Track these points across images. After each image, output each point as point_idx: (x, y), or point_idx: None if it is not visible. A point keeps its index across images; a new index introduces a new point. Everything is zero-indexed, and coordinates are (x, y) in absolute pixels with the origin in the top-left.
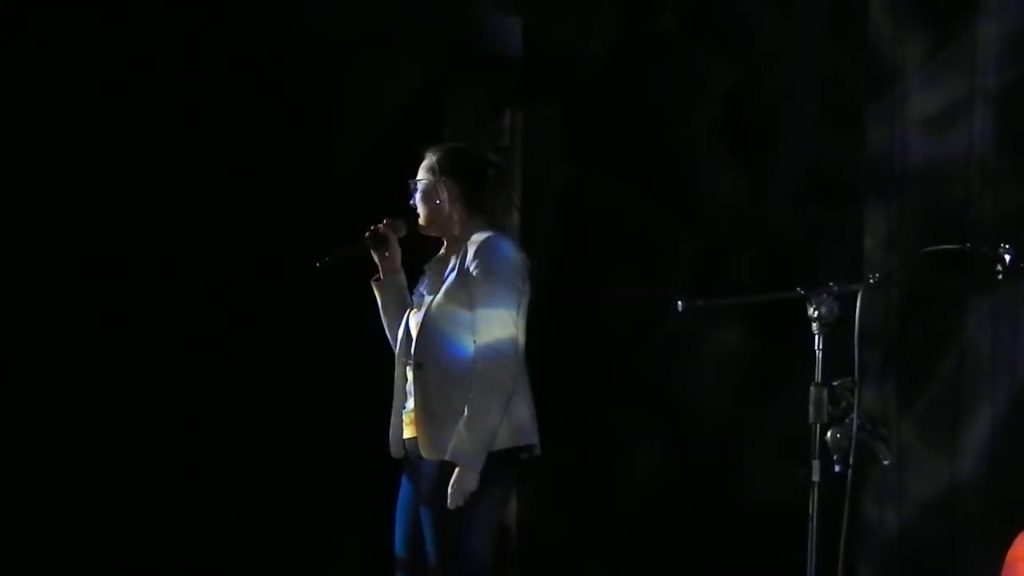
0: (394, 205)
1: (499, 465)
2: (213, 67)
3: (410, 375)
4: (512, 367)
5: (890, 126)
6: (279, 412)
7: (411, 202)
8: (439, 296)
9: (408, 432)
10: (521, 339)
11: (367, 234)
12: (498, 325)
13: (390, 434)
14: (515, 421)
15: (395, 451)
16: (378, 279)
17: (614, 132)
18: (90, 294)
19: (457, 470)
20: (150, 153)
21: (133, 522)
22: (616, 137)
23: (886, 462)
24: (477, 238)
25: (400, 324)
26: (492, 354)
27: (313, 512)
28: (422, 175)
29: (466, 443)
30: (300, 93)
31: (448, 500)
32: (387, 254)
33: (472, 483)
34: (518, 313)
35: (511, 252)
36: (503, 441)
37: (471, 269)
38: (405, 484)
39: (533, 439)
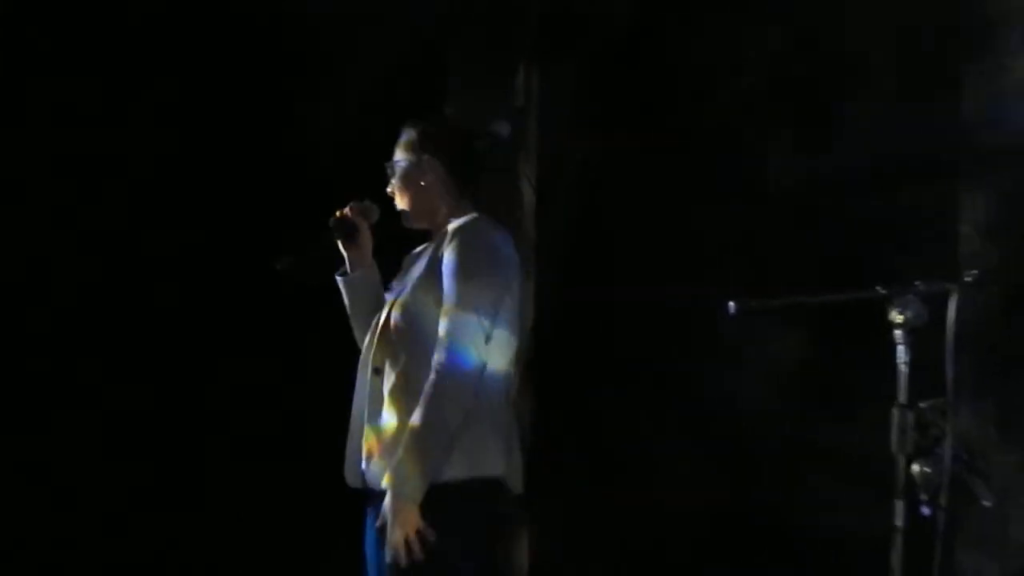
0: (381, 185)
1: (453, 502)
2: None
3: (366, 386)
4: (471, 383)
5: (990, 90)
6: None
7: (388, 189)
8: (406, 291)
9: (366, 460)
10: (502, 351)
11: (332, 221)
12: (463, 331)
13: (345, 459)
14: (475, 447)
15: (351, 479)
16: (345, 273)
17: (648, 95)
18: (51, 301)
19: (387, 499)
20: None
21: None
22: (650, 102)
23: (986, 503)
24: (457, 222)
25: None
26: (449, 365)
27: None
28: (400, 155)
29: (401, 465)
30: (271, 49)
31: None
32: (356, 244)
33: (407, 518)
34: (493, 320)
35: (496, 241)
36: (456, 470)
37: (442, 259)
38: (369, 521)
39: (498, 471)
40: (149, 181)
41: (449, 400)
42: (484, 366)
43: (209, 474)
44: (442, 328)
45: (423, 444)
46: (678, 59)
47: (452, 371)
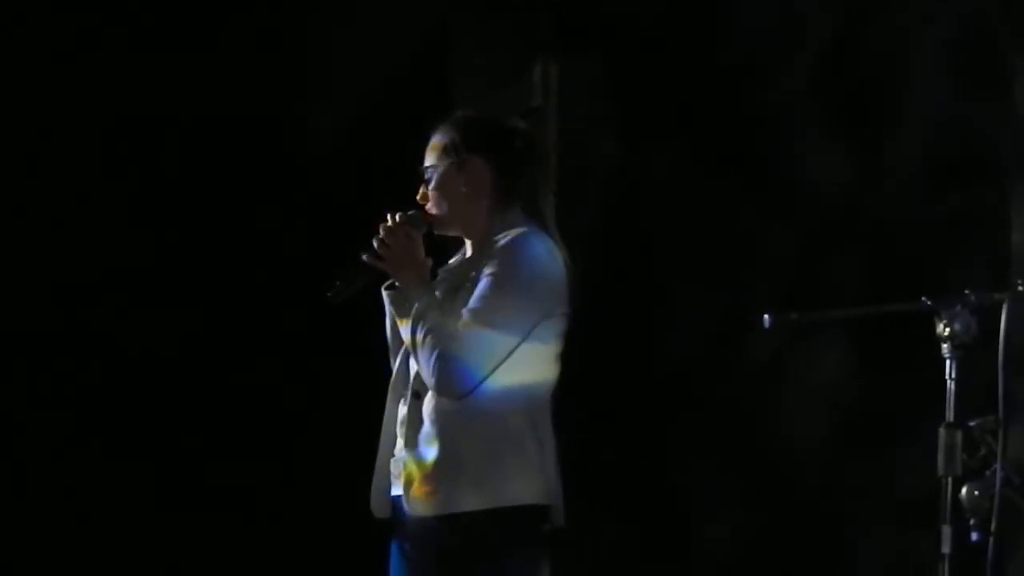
0: (393, 190)
1: (517, 528)
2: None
3: (403, 411)
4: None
5: None
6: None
7: (421, 195)
8: (442, 306)
9: (397, 488)
10: (541, 368)
11: (377, 240)
12: (478, 346)
13: (372, 488)
14: (531, 471)
15: (378, 510)
16: (392, 286)
17: (676, 92)
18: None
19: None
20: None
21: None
22: (680, 99)
23: None
24: (507, 235)
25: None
26: (455, 379)
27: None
28: (437, 159)
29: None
30: (273, 45)
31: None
32: None
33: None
34: (526, 337)
35: (544, 255)
36: (515, 494)
37: (483, 272)
38: (395, 556)
39: (552, 499)
40: (149, 177)
41: (444, 380)
42: (478, 385)
43: (215, 501)
44: (464, 338)
45: (426, 335)
46: (710, 52)
47: (451, 389)
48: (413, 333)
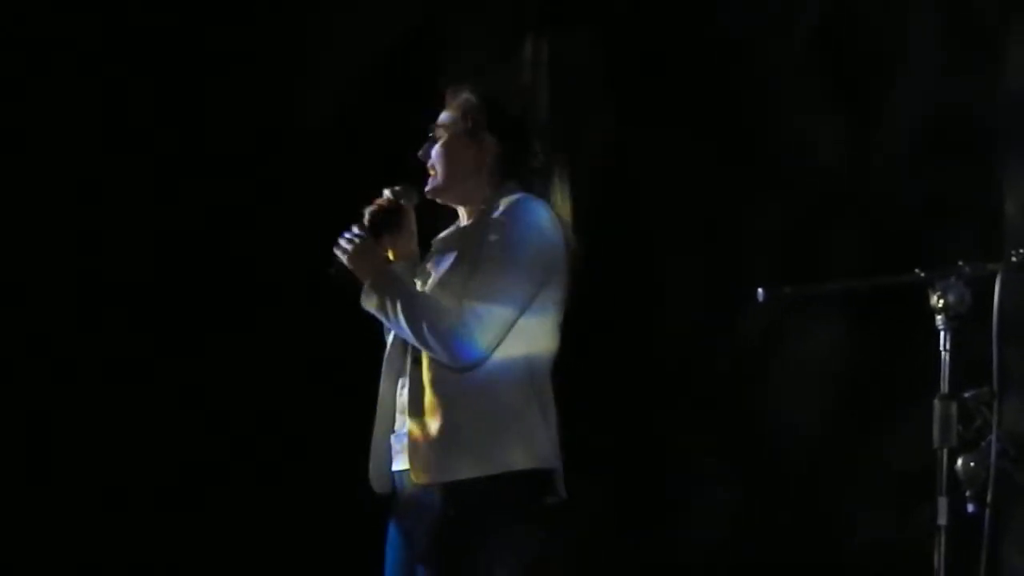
0: (383, 168)
1: (519, 493)
2: None
3: (403, 380)
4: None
5: None
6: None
7: (422, 153)
8: (443, 276)
9: (399, 463)
10: (540, 340)
11: (369, 213)
12: (483, 320)
13: (370, 464)
14: (531, 438)
15: (378, 485)
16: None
17: (669, 68)
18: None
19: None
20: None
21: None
22: (672, 75)
23: None
24: (505, 200)
25: None
26: (459, 353)
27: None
28: (453, 117)
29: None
30: (259, 22)
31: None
32: (399, 234)
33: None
34: (523, 310)
35: (542, 220)
36: (516, 461)
37: (482, 239)
38: (393, 532)
39: (555, 464)
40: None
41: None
42: (484, 356)
43: (213, 482)
44: (464, 312)
45: (405, 309)
46: (701, 27)
47: (459, 362)
48: (397, 320)
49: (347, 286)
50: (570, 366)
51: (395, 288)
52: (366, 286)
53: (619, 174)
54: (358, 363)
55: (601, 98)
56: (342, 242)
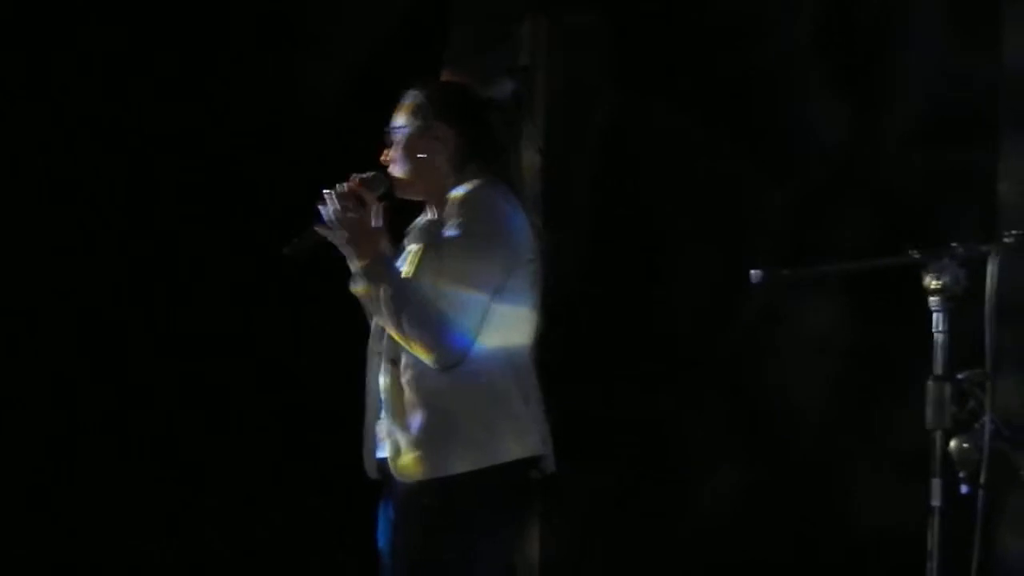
0: (374, 153)
1: (501, 484)
2: None
3: (383, 379)
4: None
5: None
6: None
7: (384, 156)
8: (409, 268)
9: (382, 450)
10: (514, 327)
11: (331, 197)
12: (463, 310)
13: (363, 450)
14: (519, 426)
15: (371, 471)
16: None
17: (673, 49)
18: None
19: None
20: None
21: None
22: (676, 56)
23: None
24: (461, 190)
25: None
26: (447, 346)
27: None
28: (404, 120)
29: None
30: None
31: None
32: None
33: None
34: (497, 296)
35: (504, 209)
36: (506, 452)
37: (444, 230)
38: (383, 518)
39: (543, 450)
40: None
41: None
42: (472, 345)
43: (211, 469)
44: (442, 305)
45: (392, 301)
46: (703, 8)
47: (451, 353)
48: (388, 313)
49: (304, 263)
50: (572, 346)
51: (388, 276)
52: (359, 269)
53: (622, 154)
54: (355, 349)
55: (604, 78)
56: (332, 206)
